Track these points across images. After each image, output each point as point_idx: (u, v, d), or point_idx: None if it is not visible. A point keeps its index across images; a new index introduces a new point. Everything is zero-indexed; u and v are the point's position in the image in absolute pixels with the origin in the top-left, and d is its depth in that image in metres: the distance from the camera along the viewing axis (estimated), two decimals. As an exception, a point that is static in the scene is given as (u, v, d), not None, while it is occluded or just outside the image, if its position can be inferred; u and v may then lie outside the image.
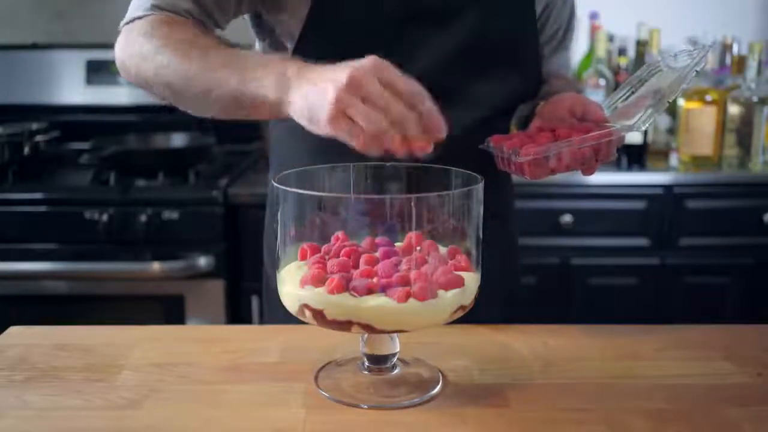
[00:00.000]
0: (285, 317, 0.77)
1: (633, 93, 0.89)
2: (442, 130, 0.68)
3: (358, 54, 0.79)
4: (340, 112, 0.66)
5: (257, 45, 1.02)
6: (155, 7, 0.88)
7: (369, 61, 0.68)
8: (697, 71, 0.82)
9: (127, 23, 0.89)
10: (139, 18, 0.88)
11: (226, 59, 0.80)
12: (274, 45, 0.98)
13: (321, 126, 0.68)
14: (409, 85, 0.68)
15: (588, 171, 0.89)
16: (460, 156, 0.78)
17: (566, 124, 0.90)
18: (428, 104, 0.68)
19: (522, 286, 1.16)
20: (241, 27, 1.01)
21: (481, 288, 0.74)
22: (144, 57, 0.85)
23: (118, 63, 0.90)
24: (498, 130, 0.93)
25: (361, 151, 0.68)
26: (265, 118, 0.81)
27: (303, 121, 0.71)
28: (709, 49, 0.87)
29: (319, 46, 0.90)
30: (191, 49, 0.82)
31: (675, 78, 0.81)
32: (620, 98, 0.92)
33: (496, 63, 0.96)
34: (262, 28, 0.99)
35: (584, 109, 0.90)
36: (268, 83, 0.74)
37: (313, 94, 0.69)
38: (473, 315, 0.75)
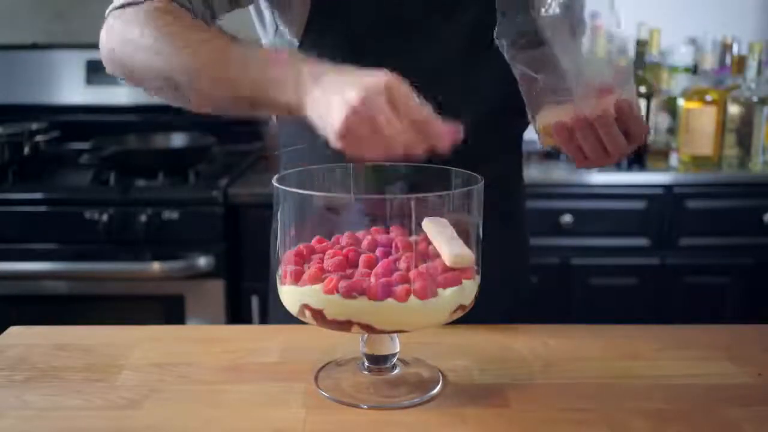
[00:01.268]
0: (285, 317, 0.77)
1: None
2: (447, 145, 0.68)
3: (361, 49, 0.78)
4: (348, 131, 0.66)
5: (262, 42, 1.02)
6: None
7: (380, 80, 0.66)
8: None
9: (118, 8, 0.84)
10: (134, 4, 0.83)
11: (237, 54, 0.77)
12: (279, 42, 0.98)
13: (330, 138, 0.68)
14: (418, 110, 0.67)
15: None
16: (464, 153, 0.77)
17: None
18: (436, 127, 0.67)
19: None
20: (243, 26, 1.00)
21: (488, 289, 0.73)
22: (141, 46, 0.80)
23: (105, 51, 0.85)
24: (504, 127, 0.92)
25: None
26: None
27: (317, 125, 0.70)
28: None
29: (323, 41, 0.90)
30: (197, 42, 0.78)
31: None
32: None
33: (499, 56, 0.96)
34: (265, 25, 0.99)
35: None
36: (287, 87, 0.72)
37: (324, 108, 0.68)
38: (481, 316, 0.75)
